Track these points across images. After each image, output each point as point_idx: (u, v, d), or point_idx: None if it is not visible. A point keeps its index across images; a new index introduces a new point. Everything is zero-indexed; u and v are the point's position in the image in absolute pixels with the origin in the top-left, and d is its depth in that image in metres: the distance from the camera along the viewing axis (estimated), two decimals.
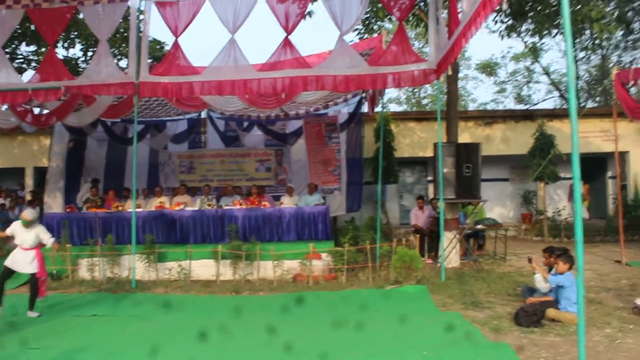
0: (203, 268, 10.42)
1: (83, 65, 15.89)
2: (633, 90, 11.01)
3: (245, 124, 15.44)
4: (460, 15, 7.34)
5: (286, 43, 9.35)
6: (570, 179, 17.46)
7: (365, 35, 14.39)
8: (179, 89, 9.74)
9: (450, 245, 10.92)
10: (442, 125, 12.04)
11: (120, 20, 11.45)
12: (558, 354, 5.45)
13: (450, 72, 8.97)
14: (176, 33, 9.75)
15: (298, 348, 5.80)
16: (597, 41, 16.83)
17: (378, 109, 12.79)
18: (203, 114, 15.59)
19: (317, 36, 48.49)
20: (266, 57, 9.64)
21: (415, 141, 17.58)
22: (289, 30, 9.35)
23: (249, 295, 9.09)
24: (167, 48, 15.30)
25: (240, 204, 11.76)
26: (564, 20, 3.79)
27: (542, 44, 24.13)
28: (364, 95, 13.40)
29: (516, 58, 34.27)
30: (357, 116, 14.47)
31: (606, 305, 7.53)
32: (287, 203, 12.48)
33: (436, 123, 10.91)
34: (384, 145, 14.86)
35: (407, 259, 8.85)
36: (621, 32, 22.31)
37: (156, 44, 16.50)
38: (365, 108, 13.92)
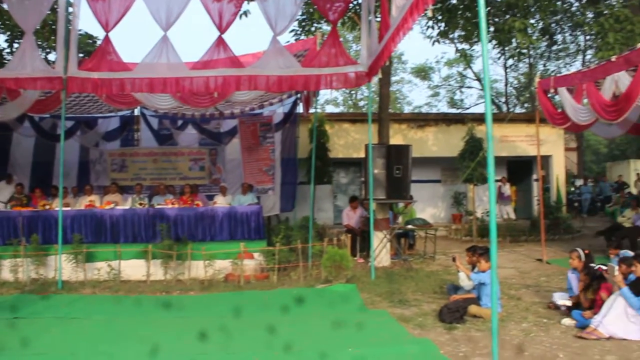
0: (133, 268, 10.22)
1: (9, 57, 15.30)
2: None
3: (180, 122, 15.23)
4: (390, 20, 7.52)
5: (220, 42, 9.31)
6: (498, 181, 18.17)
7: (302, 37, 14.50)
8: (109, 86, 9.52)
9: (380, 245, 11.14)
10: (374, 127, 12.27)
11: (48, 12, 11.09)
12: (477, 347, 5.69)
13: (380, 75, 9.14)
14: (107, 28, 9.53)
15: (225, 347, 5.83)
16: (524, 50, 17.49)
17: (313, 109, 12.89)
18: (136, 112, 15.28)
19: (255, 36, 48.37)
20: (200, 56, 9.58)
21: (350, 142, 17.81)
22: (222, 29, 9.31)
23: (180, 295, 9.01)
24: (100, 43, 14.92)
25: (173, 203, 11.60)
26: (480, 29, 3.97)
27: (472, 50, 24.96)
28: (299, 96, 13.47)
29: (449, 63, 35.28)
30: (292, 116, 14.53)
31: (525, 301, 7.89)
32: (221, 202, 12.39)
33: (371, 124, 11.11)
34: (319, 145, 15.05)
35: (337, 258, 8.99)
36: (545, 43, 23.37)
37: (87, 38, 16.06)
38: (300, 109, 13.99)
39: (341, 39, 33.18)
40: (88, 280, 9.96)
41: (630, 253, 7.31)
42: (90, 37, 16.32)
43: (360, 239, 12.20)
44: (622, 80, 8.81)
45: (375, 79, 10.32)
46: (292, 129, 14.70)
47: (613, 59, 9.27)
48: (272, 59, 9.31)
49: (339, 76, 9.23)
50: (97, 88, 9.62)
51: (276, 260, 9.95)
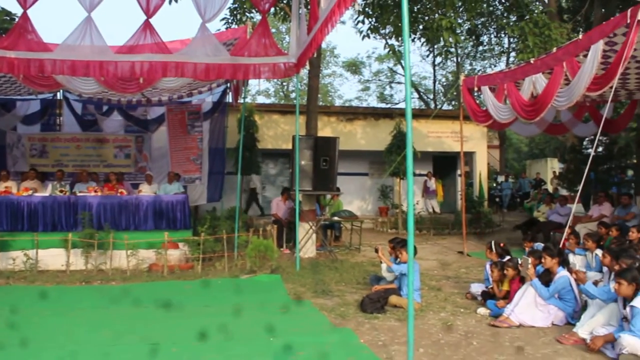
0: (52, 257, 9.85)
1: None
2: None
3: (105, 108, 14.79)
4: (319, 12, 7.55)
5: (146, 26, 9.04)
6: (423, 175, 18.62)
7: (233, 25, 14.36)
8: (27, 66, 9.04)
9: (306, 236, 11.22)
10: (303, 119, 12.33)
11: None
12: (396, 336, 5.83)
13: (308, 67, 9.19)
14: (24, 4, 9.06)
15: (145, 338, 5.74)
16: (451, 49, 18.02)
17: (242, 99, 12.79)
18: (59, 95, 14.70)
19: (186, 23, 47.44)
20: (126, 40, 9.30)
21: (279, 133, 17.81)
22: (149, 13, 9.04)
23: (100, 285, 8.78)
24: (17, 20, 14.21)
25: (96, 191, 11.27)
26: (403, 25, 4.06)
27: (402, 46, 25.45)
28: (228, 85, 13.34)
29: (380, 59, 35.76)
30: (221, 106, 14.38)
31: (444, 292, 8.14)
32: (146, 191, 12.13)
33: (300, 116, 11.12)
34: (248, 136, 14.95)
35: (262, 248, 9.01)
36: (472, 43, 24.15)
37: (4, 14, 15.26)
38: (230, 98, 13.86)
39: (273, 30, 32.98)
40: (2, 270, 9.51)
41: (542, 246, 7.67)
42: (8, 13, 15.51)
43: (287, 230, 12.25)
44: (539, 81, 9.21)
45: (305, 71, 10.40)
46: (221, 119, 14.55)
47: (532, 61, 9.68)
48: (200, 47, 9.16)
49: (267, 66, 9.21)
50: (13, 68, 9.08)
51: (201, 250, 9.85)
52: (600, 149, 15.70)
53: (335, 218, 13.01)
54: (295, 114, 10.21)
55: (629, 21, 7.02)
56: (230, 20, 14.53)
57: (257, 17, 15.18)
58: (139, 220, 10.97)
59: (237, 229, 11.07)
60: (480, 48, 26.24)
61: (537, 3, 16.11)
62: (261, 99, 38.91)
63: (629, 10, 7.03)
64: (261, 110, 17.41)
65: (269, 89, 41.04)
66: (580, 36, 8.39)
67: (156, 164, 14.98)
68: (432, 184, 19.56)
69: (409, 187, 4.44)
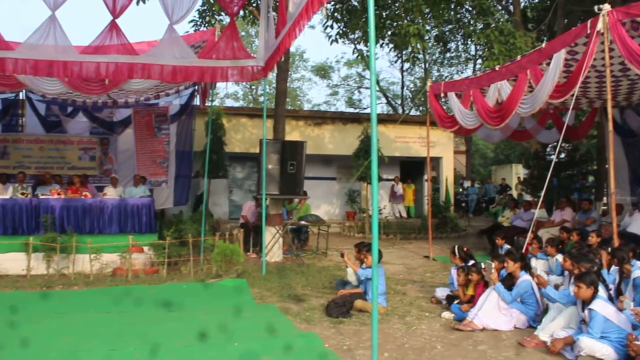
0: (12, 262, 9.63)
1: None
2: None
3: (69, 109, 14.50)
4: (287, 16, 7.56)
5: (112, 27, 8.94)
6: (391, 180, 18.75)
7: (202, 28, 14.28)
8: None
9: (273, 240, 11.19)
10: (270, 123, 12.31)
11: None
12: (361, 341, 5.84)
13: (277, 71, 9.19)
14: None
15: (107, 344, 5.65)
16: (419, 55, 18.22)
17: (209, 102, 12.71)
18: (22, 95, 14.39)
19: (154, 25, 47.01)
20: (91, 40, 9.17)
21: (247, 137, 17.74)
22: (116, 13, 8.95)
23: (62, 290, 8.61)
24: None
25: (59, 194, 11.07)
26: (369, 30, 4.09)
27: (369, 52, 25.64)
28: (196, 87, 13.25)
29: (349, 64, 35.90)
30: (188, 108, 14.26)
31: (410, 296, 8.19)
32: (111, 194, 11.97)
33: (267, 120, 11.10)
34: (215, 139, 14.86)
35: (228, 252, 8.95)
36: (439, 50, 24.46)
37: None
38: (197, 101, 13.75)
39: (243, 33, 32.86)
40: None
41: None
42: None
43: (254, 234, 12.20)
44: (504, 88, 9.36)
45: (273, 75, 10.37)
46: (189, 121, 14.43)
47: (497, 68, 9.83)
48: (168, 48, 9.09)
49: (235, 69, 9.19)
50: None
51: (166, 254, 9.75)
52: (562, 155, 16.02)
53: (302, 222, 13.01)
54: (263, 118, 10.18)
55: (589, 32, 7.19)
56: (198, 23, 14.45)
57: (227, 19, 15.16)
58: (103, 223, 10.84)
59: (203, 232, 10.99)
60: (448, 55, 26.60)
61: (503, 12, 16.39)
62: (230, 102, 38.77)
63: (589, 22, 7.21)
64: (229, 113, 17.32)
65: (238, 92, 40.93)
66: (544, 45, 8.56)
67: (122, 166, 14.76)
68: (399, 188, 19.72)
69: (374, 192, 4.46)
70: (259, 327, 6.32)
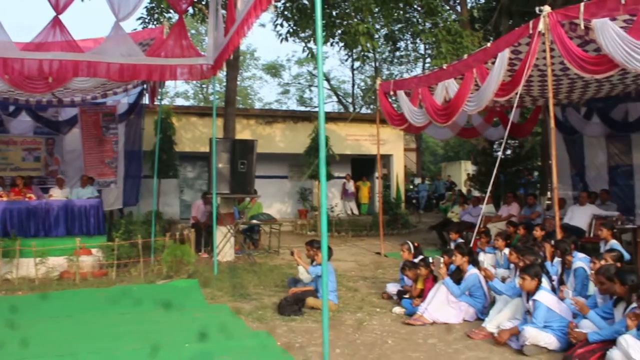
0: None
1: None
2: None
3: (12, 108, 13.99)
4: (236, 14, 7.52)
5: (56, 23, 8.66)
6: (342, 178, 18.86)
7: (150, 25, 14.07)
8: None
9: (224, 240, 11.12)
10: (220, 122, 12.22)
11: None
12: (312, 338, 5.87)
13: (226, 69, 9.14)
14: None
15: (49, 349, 5.51)
16: (369, 54, 18.39)
17: (158, 101, 12.52)
18: None
19: (100, 21, 45.99)
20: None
21: (197, 136, 17.55)
22: (59, 9, 8.68)
23: (5, 295, 8.32)
24: None
25: (1, 196, 10.72)
26: (317, 29, 4.11)
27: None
28: (145, 86, 13.02)
29: (300, 62, 35.91)
30: (137, 107, 14.00)
31: (361, 292, 8.27)
32: (57, 196, 11.66)
33: (218, 119, 11.02)
34: (165, 138, 14.67)
35: (179, 253, 8.85)
36: (389, 48, 24.73)
37: None
38: (146, 100, 13.53)
39: (193, 31, 32.43)
40: None
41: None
42: None
43: (205, 234, 12.09)
44: (451, 86, 9.55)
45: (224, 73, 10.30)
46: (137, 121, 14.19)
47: (444, 67, 10.02)
48: (114, 46, 8.89)
49: (184, 68, 9.07)
50: None
51: (115, 256, 9.57)
52: (508, 152, 16.45)
53: (254, 221, 12.96)
54: (212, 117, 10.10)
55: (531, 32, 7.43)
56: (147, 20, 14.23)
57: (175, 17, 14.94)
58: (49, 226, 10.51)
59: (153, 233, 10.82)
60: (397, 53, 26.91)
61: (451, 12, 16.69)
62: (180, 101, 38.28)
63: (531, 23, 7.46)
64: (179, 112, 17.10)
65: (188, 91, 40.45)
66: (489, 44, 8.78)
67: (69, 167, 14.39)
68: (351, 186, 19.86)
69: (322, 189, 4.49)
70: (211, 327, 6.28)
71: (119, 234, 10.08)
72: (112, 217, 14.14)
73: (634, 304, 4.62)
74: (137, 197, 14.37)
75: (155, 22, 14.08)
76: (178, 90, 39.55)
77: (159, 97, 12.20)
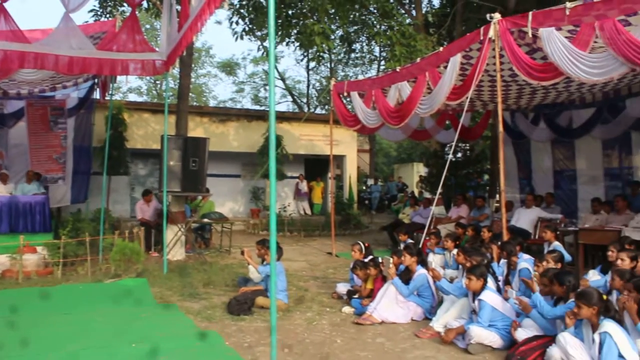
0: None
1: None
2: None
3: None
4: (190, 10, 7.44)
5: (0, 11, 8.41)
6: (295, 177, 18.86)
7: (103, 18, 13.80)
8: None
9: (175, 238, 10.98)
10: (172, 119, 12.06)
11: None
12: (262, 337, 5.86)
13: (179, 66, 9.03)
14: None
15: None
16: (324, 54, 18.48)
17: (109, 96, 12.26)
18: None
19: (49, 11, 44.80)
20: None
21: (150, 133, 17.25)
22: None
23: None
24: None
25: None
26: (269, 27, 4.10)
27: (276, 50, 25.68)
28: (96, 80, 12.74)
29: (255, 61, 35.74)
30: (87, 102, 13.72)
31: (311, 292, 8.29)
32: (1, 192, 11.28)
33: (171, 115, 10.84)
34: (116, 135, 14.39)
35: (128, 251, 8.69)
36: (344, 50, 24.91)
37: None
38: (97, 94, 13.23)
39: (147, 26, 31.86)
40: None
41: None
42: None
43: (156, 232, 11.91)
44: (404, 89, 9.68)
45: (178, 70, 10.16)
46: (87, 116, 13.89)
47: (398, 69, 10.15)
48: (64, 38, 8.66)
49: (136, 63, 8.92)
50: None
51: (61, 254, 9.33)
52: (459, 155, 16.76)
53: (205, 220, 12.84)
54: (164, 113, 9.96)
55: (482, 38, 7.60)
56: (99, 13, 13.96)
57: (129, 10, 14.70)
58: None
59: (102, 231, 10.60)
60: (353, 55, 27.12)
61: (406, 15, 16.92)
62: (133, 97, 37.62)
63: (482, 29, 7.64)
64: (131, 108, 16.77)
65: (142, 87, 39.77)
66: (442, 49, 8.93)
67: (14, 162, 13.87)
68: (304, 186, 19.88)
69: (272, 189, 4.50)
70: (159, 326, 6.21)
71: (66, 231, 9.83)
72: (59, 215, 13.78)
73: (572, 303, 4.79)
74: (86, 194, 14.07)
75: (108, 15, 13.82)
76: (131, 86, 38.93)
77: (110, 92, 11.96)
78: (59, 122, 13.80)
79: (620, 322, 4.49)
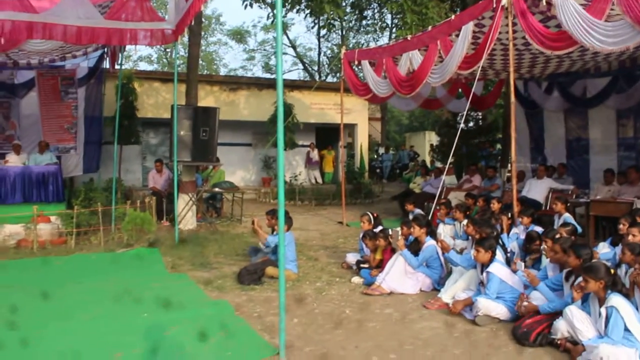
0: None
1: None
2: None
3: None
4: None
5: None
6: (306, 146, 18.83)
7: None
8: None
9: (186, 208, 11.05)
10: (183, 88, 12.01)
11: None
12: (271, 307, 5.91)
13: (188, 35, 8.95)
14: None
15: (7, 321, 5.44)
16: (334, 22, 18.25)
17: (119, 65, 12.22)
18: None
19: None
20: None
21: (160, 102, 17.25)
22: None
23: None
24: None
25: None
26: None
27: (285, 17, 25.37)
28: (105, 49, 12.67)
29: (266, 29, 35.36)
30: (97, 71, 13.67)
31: (321, 262, 8.33)
32: (14, 162, 11.39)
33: (181, 85, 10.79)
34: (127, 104, 14.38)
35: (139, 221, 8.78)
36: (355, 17, 24.56)
37: None
38: (107, 64, 13.18)
39: None
40: None
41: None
42: None
43: (167, 202, 11.99)
44: (415, 58, 9.56)
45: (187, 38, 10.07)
46: (98, 85, 13.86)
47: (409, 37, 10.01)
48: (71, 7, 8.56)
49: (144, 32, 8.84)
50: None
51: (74, 224, 9.43)
52: (471, 124, 16.62)
53: (216, 189, 12.89)
54: (174, 83, 9.92)
55: (494, 6, 7.46)
56: None
57: None
58: (5, 193, 10.27)
59: (114, 201, 10.69)
60: (364, 22, 26.72)
61: None
62: (144, 65, 37.49)
63: None
64: (141, 77, 16.72)
65: (152, 55, 39.60)
66: (453, 17, 8.78)
67: (26, 132, 13.97)
68: (315, 155, 19.85)
69: (279, 161, 4.49)
70: (170, 296, 6.28)
71: (79, 201, 9.92)
72: (72, 184, 13.90)
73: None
74: (98, 164, 14.13)
75: None
76: (141, 54, 38.89)
77: (119, 62, 11.91)
78: (69, 92, 13.81)
79: (628, 296, 4.48)
